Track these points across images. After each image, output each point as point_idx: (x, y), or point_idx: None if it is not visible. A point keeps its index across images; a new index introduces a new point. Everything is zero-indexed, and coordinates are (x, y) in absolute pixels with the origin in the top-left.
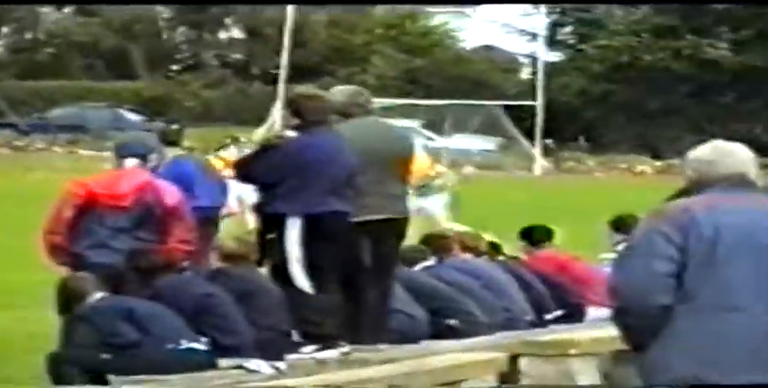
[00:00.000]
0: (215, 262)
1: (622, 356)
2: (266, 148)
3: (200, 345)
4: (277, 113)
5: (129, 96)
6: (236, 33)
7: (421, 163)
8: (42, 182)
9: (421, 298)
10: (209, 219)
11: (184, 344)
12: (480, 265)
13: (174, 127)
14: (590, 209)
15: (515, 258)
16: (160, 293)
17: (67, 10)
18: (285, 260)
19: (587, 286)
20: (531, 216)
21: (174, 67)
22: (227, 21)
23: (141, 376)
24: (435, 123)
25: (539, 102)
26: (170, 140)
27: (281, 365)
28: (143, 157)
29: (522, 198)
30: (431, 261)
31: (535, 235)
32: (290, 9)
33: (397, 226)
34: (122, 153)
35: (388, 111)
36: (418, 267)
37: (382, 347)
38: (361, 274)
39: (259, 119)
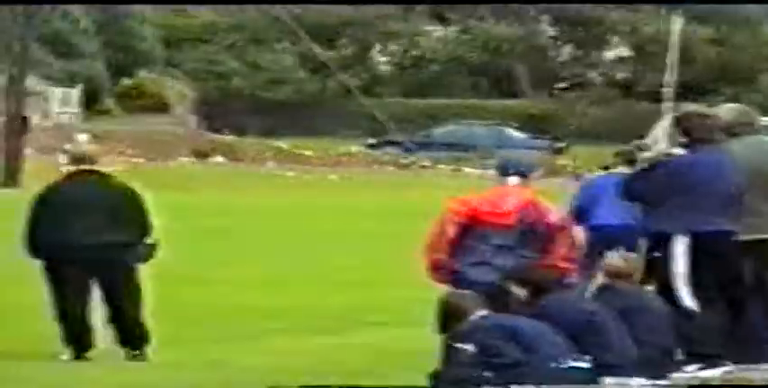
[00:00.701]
0: (601, 278)
1: None
2: (652, 167)
3: (584, 363)
4: (661, 132)
5: (513, 114)
6: (622, 51)
7: None
8: (426, 200)
9: None
10: (609, 237)
11: (568, 363)
12: None
13: (559, 144)
14: None
15: None
16: (545, 311)
17: (452, 28)
18: (670, 278)
19: None
20: None
21: (559, 86)
22: (613, 39)
23: None
24: None
25: None
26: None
27: (664, 383)
28: (526, 175)
29: None
30: None
31: None
32: (674, 26)
33: None
34: (506, 171)
35: None
36: None
37: (765, 366)
38: (743, 293)
39: (642, 138)
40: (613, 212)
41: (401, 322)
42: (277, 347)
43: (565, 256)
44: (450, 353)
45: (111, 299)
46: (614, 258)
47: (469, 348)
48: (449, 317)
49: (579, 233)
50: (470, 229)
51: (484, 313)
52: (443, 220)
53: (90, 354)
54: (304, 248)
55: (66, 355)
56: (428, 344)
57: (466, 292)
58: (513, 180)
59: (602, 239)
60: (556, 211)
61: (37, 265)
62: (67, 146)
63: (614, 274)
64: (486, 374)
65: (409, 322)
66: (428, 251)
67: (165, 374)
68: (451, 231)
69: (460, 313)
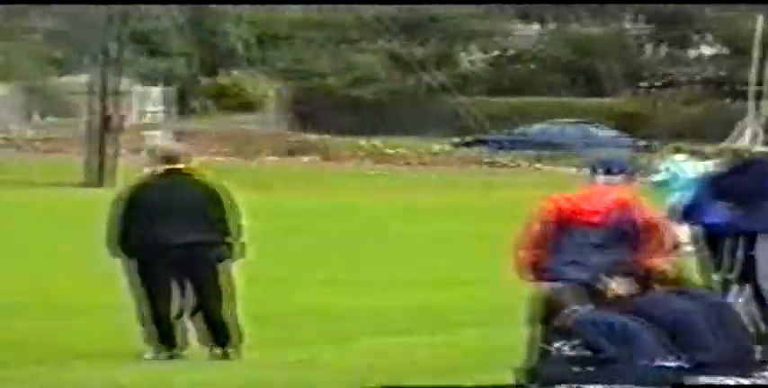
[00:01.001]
0: None
1: None
2: (742, 165)
3: (674, 362)
4: (748, 129)
5: (602, 113)
6: (711, 50)
7: None
8: (513, 198)
9: None
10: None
11: (658, 361)
12: None
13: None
14: None
15: None
16: (637, 308)
17: (536, 27)
18: (758, 276)
19: None
20: None
21: (648, 84)
22: (703, 37)
23: None
24: None
25: None
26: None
27: (750, 383)
28: (618, 174)
29: None
30: None
31: None
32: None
33: None
34: (598, 169)
35: None
36: None
37: None
38: None
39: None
40: (717, 211)
41: (489, 322)
42: (364, 347)
43: (658, 254)
44: (544, 349)
45: (197, 298)
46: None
47: (566, 343)
48: (548, 311)
49: (680, 231)
50: (563, 227)
51: (581, 308)
52: (537, 218)
53: (173, 352)
54: (392, 247)
55: (149, 354)
56: (515, 343)
57: (566, 286)
58: (608, 178)
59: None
60: (650, 209)
61: (122, 264)
62: (153, 145)
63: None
64: (581, 370)
65: (497, 321)
66: (521, 248)
67: (250, 373)
68: (544, 229)
69: (560, 308)
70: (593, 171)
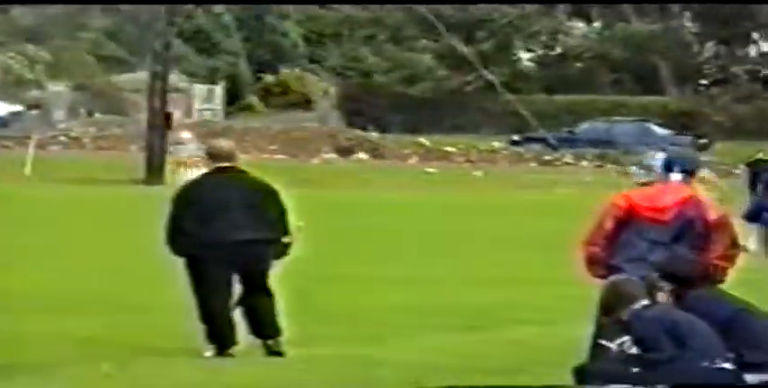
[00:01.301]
0: None
1: None
2: None
3: (731, 363)
4: None
5: (656, 110)
6: (765, 47)
7: None
8: (570, 196)
9: None
10: None
11: (718, 362)
12: None
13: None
14: None
15: None
16: (690, 306)
17: (596, 24)
18: None
19: None
20: None
21: (703, 82)
22: (756, 35)
23: None
24: None
25: None
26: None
27: None
28: (689, 173)
29: None
30: None
31: None
32: None
33: None
34: (669, 167)
35: None
36: None
37: None
38: None
39: None
40: None
41: (548, 319)
42: (424, 344)
43: (721, 254)
44: (602, 345)
45: (250, 296)
46: None
47: (624, 341)
48: (615, 302)
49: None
50: (629, 224)
51: (646, 302)
52: (603, 214)
53: (232, 350)
54: (448, 245)
55: (210, 352)
56: (575, 341)
57: (634, 279)
58: (676, 176)
59: None
60: (715, 209)
61: (179, 262)
62: (208, 144)
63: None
64: (637, 369)
65: (556, 319)
66: (585, 245)
67: (308, 369)
68: (610, 225)
69: (628, 300)
70: (666, 168)
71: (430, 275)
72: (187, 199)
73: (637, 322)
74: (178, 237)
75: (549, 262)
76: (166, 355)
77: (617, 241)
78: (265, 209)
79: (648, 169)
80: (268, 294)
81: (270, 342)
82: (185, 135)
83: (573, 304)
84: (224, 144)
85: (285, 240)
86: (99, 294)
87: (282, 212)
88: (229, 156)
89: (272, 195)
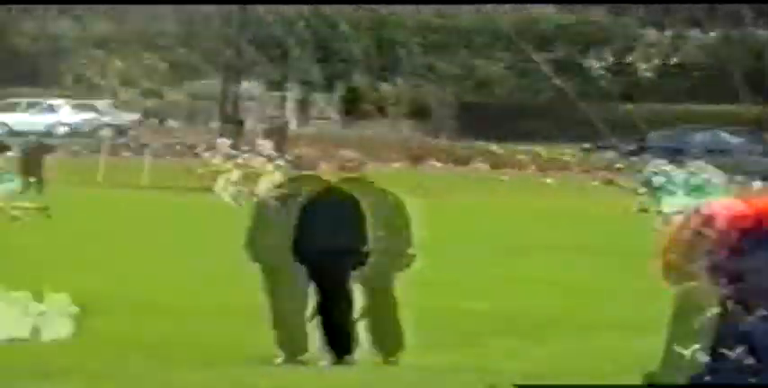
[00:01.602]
0: None
1: None
2: None
3: None
4: None
5: (729, 118)
6: None
7: None
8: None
9: None
10: None
11: None
12: None
13: None
14: None
15: None
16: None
17: (664, 32)
18: None
19: None
20: None
21: None
22: None
23: None
24: None
25: None
26: None
27: None
28: None
29: None
30: None
31: None
32: None
33: None
34: None
35: None
36: None
37: None
38: None
39: None
40: None
41: (622, 327)
42: (497, 350)
43: None
44: (675, 352)
45: (327, 305)
46: None
47: (696, 349)
48: (682, 313)
49: None
50: (718, 233)
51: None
52: (688, 223)
53: (304, 358)
54: (521, 252)
55: (280, 358)
56: (647, 349)
57: (708, 288)
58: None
59: None
60: None
61: (256, 269)
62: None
63: None
64: (709, 378)
65: (630, 327)
66: (665, 252)
67: (384, 377)
68: (696, 234)
69: (693, 310)
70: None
71: (502, 281)
72: (267, 207)
73: (755, 333)
74: (256, 244)
75: (620, 270)
76: (238, 361)
77: (695, 248)
78: (346, 218)
79: (647, 184)
80: (347, 304)
81: (338, 353)
82: (259, 141)
83: (644, 312)
84: (304, 151)
85: (409, 251)
86: (206, 297)
87: (364, 221)
88: (310, 164)
89: (353, 203)
